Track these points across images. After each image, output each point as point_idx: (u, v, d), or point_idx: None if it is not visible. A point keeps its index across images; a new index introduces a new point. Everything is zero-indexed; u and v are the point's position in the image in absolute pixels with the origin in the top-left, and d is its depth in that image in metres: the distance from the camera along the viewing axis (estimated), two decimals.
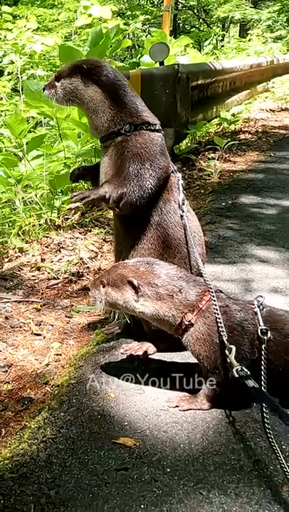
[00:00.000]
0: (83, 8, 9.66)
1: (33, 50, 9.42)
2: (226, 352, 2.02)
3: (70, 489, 1.74)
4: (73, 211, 4.67)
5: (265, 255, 3.76)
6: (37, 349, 2.65)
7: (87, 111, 2.51)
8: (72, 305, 3.10)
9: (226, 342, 2.02)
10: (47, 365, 2.51)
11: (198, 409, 2.14)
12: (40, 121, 6.66)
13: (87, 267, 3.56)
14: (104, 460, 1.87)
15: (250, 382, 1.91)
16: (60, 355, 2.60)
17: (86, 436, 1.99)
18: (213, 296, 2.10)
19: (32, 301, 3.11)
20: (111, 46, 5.99)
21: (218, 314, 2.06)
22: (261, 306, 2.14)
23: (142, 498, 1.72)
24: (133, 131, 2.41)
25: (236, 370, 1.96)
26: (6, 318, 2.91)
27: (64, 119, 4.76)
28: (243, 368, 1.96)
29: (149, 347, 2.53)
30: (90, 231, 4.15)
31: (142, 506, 1.69)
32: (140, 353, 2.51)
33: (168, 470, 1.84)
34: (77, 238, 3.99)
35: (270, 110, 11.67)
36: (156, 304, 2.11)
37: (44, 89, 2.59)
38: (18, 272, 3.47)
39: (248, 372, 1.95)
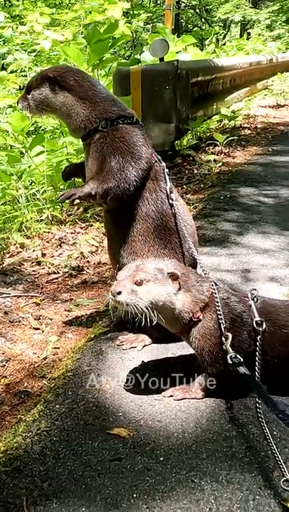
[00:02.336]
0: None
1: (42, 47, 9.27)
2: (223, 339, 1.98)
3: (63, 481, 1.71)
4: (76, 206, 4.63)
5: (262, 246, 3.71)
6: (35, 343, 2.61)
7: (62, 116, 2.51)
8: (72, 299, 3.05)
9: (223, 330, 1.98)
10: (44, 358, 2.47)
11: (193, 398, 2.10)
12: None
13: (88, 261, 3.51)
14: (98, 451, 1.83)
15: (242, 369, 1.88)
16: (58, 348, 2.56)
17: (80, 427, 1.95)
18: (216, 290, 2.06)
19: (32, 296, 3.07)
20: (114, 39, 5.90)
21: (219, 309, 2.02)
22: (255, 299, 2.10)
23: (134, 487, 1.68)
24: (110, 126, 2.39)
25: (230, 356, 1.93)
26: (6, 313, 2.87)
27: None
28: (237, 355, 1.93)
29: (144, 338, 2.49)
30: (92, 225, 4.11)
31: (134, 495, 1.65)
32: (136, 344, 2.47)
33: (161, 459, 1.80)
34: (78, 233, 3.95)
35: (270, 107, 11.58)
36: (185, 297, 2.04)
37: (18, 103, 2.59)
38: (19, 267, 3.43)
39: (241, 360, 1.91)
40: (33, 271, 3.41)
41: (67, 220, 4.27)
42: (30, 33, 9.83)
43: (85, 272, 3.38)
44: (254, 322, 2.03)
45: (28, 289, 3.16)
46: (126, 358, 2.40)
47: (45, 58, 9.72)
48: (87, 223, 4.17)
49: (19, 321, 2.80)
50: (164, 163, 2.50)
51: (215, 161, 6.12)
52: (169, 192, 2.43)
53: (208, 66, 7.65)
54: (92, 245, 3.73)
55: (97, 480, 1.71)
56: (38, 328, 2.74)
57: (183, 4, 28.35)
